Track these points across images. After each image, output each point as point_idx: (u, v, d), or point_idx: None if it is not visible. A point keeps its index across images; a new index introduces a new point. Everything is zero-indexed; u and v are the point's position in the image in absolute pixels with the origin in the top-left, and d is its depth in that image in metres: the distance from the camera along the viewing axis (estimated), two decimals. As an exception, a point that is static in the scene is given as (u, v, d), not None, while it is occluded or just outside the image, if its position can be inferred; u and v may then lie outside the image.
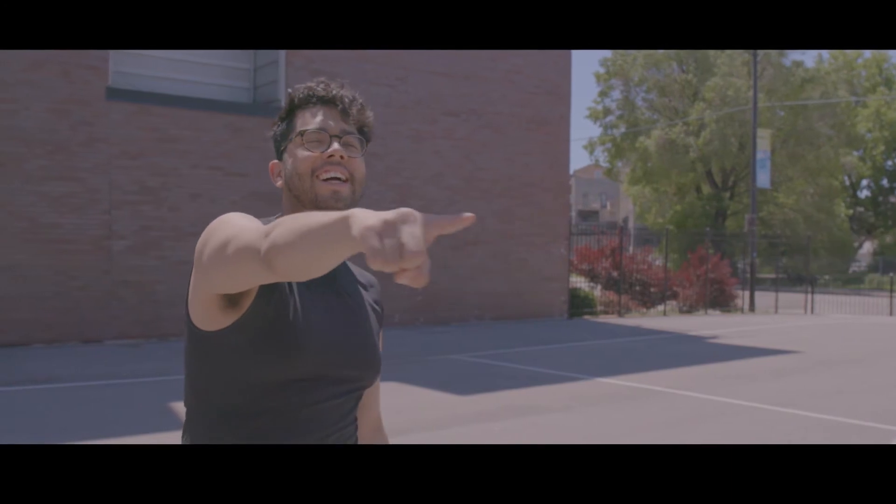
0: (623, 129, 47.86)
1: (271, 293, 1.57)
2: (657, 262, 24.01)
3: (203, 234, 1.52)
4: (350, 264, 1.84)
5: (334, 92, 1.73)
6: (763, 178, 27.12)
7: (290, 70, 14.43)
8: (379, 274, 1.93)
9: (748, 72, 40.75)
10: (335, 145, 1.67)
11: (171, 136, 13.60)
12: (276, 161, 1.79)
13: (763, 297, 25.83)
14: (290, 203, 1.73)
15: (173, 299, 13.21)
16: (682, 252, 28.88)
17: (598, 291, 21.48)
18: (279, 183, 1.76)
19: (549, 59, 18.37)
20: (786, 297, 25.83)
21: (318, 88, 1.73)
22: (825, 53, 50.37)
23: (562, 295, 18.84)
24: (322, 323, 1.63)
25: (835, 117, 43.60)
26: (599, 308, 20.43)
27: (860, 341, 16.03)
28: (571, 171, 33.20)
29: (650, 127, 45.75)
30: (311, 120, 1.71)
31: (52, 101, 12.58)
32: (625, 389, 9.71)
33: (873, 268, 51.43)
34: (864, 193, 55.84)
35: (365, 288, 1.84)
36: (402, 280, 1.10)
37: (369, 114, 1.77)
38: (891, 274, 29.30)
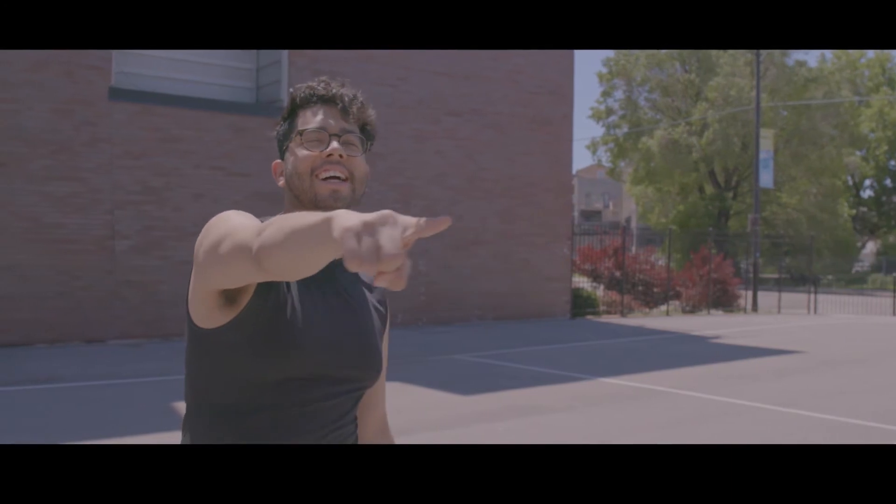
0: (626, 129, 47.84)
1: (268, 291, 1.57)
2: (660, 262, 24.00)
3: (202, 232, 1.53)
4: None
5: (334, 91, 1.73)
6: (766, 178, 27.09)
7: (292, 70, 14.44)
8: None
9: (751, 71, 40.74)
10: (334, 144, 1.67)
11: (173, 136, 13.61)
12: (278, 160, 1.79)
13: (766, 298, 25.81)
14: (291, 202, 1.73)
15: (176, 299, 13.22)
16: (685, 252, 28.88)
17: (600, 291, 21.46)
18: (281, 182, 1.76)
19: (551, 59, 18.36)
20: (789, 297, 25.81)
21: (319, 87, 1.74)
22: (828, 53, 50.36)
23: (564, 295, 18.83)
24: (321, 322, 1.63)
25: (838, 117, 43.56)
26: (602, 308, 20.43)
27: (863, 341, 16.01)
28: (574, 171, 33.18)
29: (653, 127, 45.73)
30: (312, 119, 1.71)
31: (56, 102, 12.59)
32: (627, 389, 9.70)
33: (876, 268, 51.37)
34: (867, 193, 55.79)
35: (368, 288, 1.84)
36: (381, 283, 1.09)
37: (371, 112, 1.77)
38: (894, 274, 29.29)
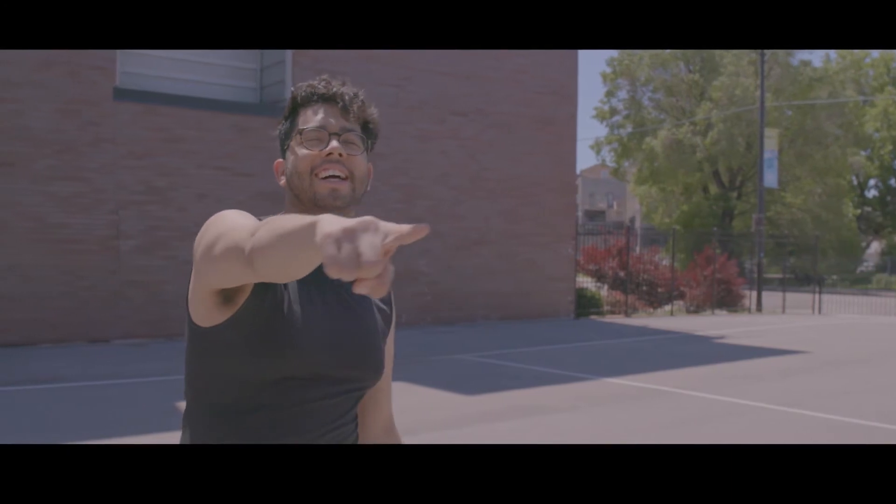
0: (630, 129, 47.80)
1: (266, 291, 1.57)
2: (664, 262, 23.99)
3: (200, 230, 1.53)
4: None
5: (335, 89, 1.72)
6: (770, 178, 27.06)
7: (296, 70, 14.45)
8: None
9: (755, 71, 40.69)
10: (334, 143, 1.67)
11: (177, 136, 13.63)
12: (280, 160, 1.79)
13: (770, 297, 25.77)
14: (291, 201, 1.73)
15: (180, 299, 13.20)
16: (689, 252, 28.85)
17: (604, 291, 21.45)
18: (282, 182, 1.76)
19: (555, 59, 18.36)
20: (793, 297, 25.77)
21: (320, 86, 1.73)
22: (833, 53, 50.32)
23: (568, 295, 18.82)
24: (320, 323, 1.63)
25: (842, 117, 43.48)
26: (606, 308, 20.42)
27: (867, 341, 15.99)
28: (578, 171, 33.13)
29: (657, 127, 45.69)
30: (312, 118, 1.70)
31: (60, 102, 12.62)
32: (631, 389, 9.70)
33: (881, 268, 51.29)
34: (871, 193, 55.68)
35: None
36: (361, 290, 1.08)
37: (372, 110, 1.76)
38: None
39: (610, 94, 48.40)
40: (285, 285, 1.61)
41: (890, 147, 51.04)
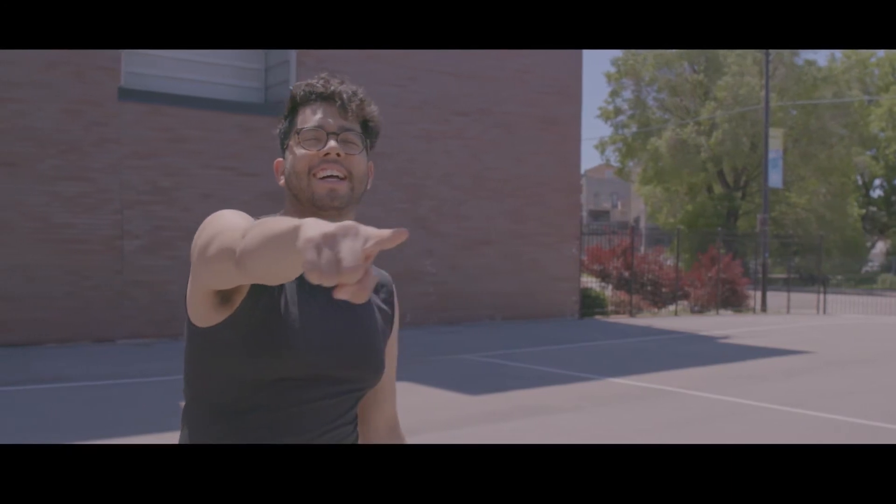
0: (634, 129, 47.77)
1: (262, 292, 1.57)
2: (668, 262, 23.96)
3: (198, 231, 1.52)
4: None
5: (333, 88, 1.71)
6: (775, 178, 27.02)
7: (301, 70, 14.46)
8: (389, 274, 1.92)
9: (759, 71, 40.65)
10: (332, 143, 1.66)
11: (182, 137, 13.65)
12: (280, 159, 1.78)
13: (775, 297, 25.73)
14: (290, 201, 1.72)
15: (184, 299, 13.21)
16: (694, 252, 28.80)
17: (609, 291, 21.44)
18: (282, 181, 1.75)
19: (559, 59, 18.35)
20: (798, 297, 25.73)
21: (318, 85, 1.72)
22: (838, 52, 50.16)
23: (573, 295, 18.82)
24: (317, 323, 1.62)
25: (847, 116, 43.42)
26: (610, 308, 20.40)
27: (872, 341, 15.96)
28: (582, 171, 33.08)
29: (661, 126, 45.65)
30: (311, 117, 1.70)
31: (65, 102, 12.64)
32: (636, 389, 9.69)
33: (886, 268, 51.16)
34: (876, 193, 55.56)
35: (374, 288, 1.82)
36: (342, 295, 1.07)
37: (372, 108, 1.74)
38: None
39: (614, 93, 48.38)
40: (282, 286, 1.60)
41: (895, 147, 50.93)
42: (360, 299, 1.08)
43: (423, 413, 8.03)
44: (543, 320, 17.91)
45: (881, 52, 51.55)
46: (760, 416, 8.26)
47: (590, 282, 21.68)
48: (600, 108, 49.26)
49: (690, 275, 23.34)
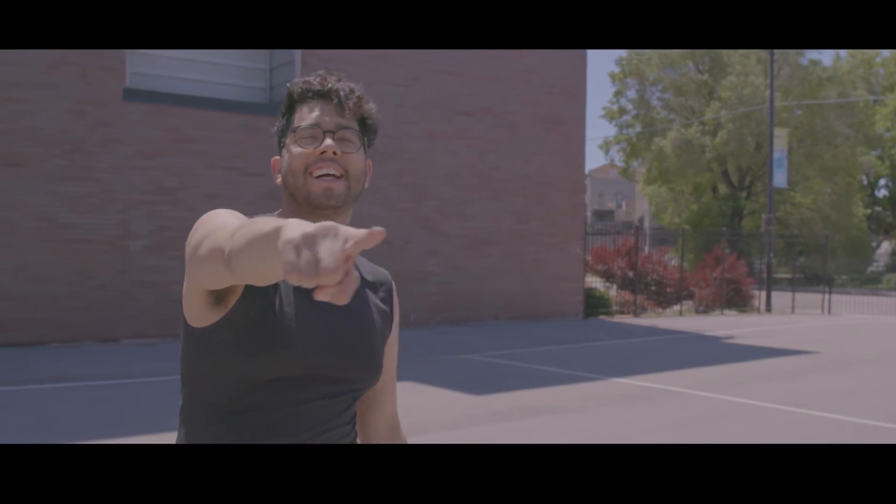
0: (639, 129, 47.73)
1: (256, 292, 1.56)
2: (673, 262, 23.94)
3: (192, 230, 1.51)
4: (362, 261, 1.82)
5: (330, 85, 1.69)
6: (780, 178, 26.99)
7: (305, 70, 14.46)
8: (391, 273, 1.92)
9: (764, 70, 40.60)
10: (328, 141, 1.64)
11: (187, 137, 13.67)
12: (277, 157, 1.76)
13: (780, 298, 25.70)
14: (287, 200, 1.71)
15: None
16: (698, 252, 28.79)
17: (613, 291, 21.43)
18: (278, 180, 1.73)
19: (563, 59, 18.34)
20: (803, 297, 25.70)
21: (315, 82, 1.70)
22: (843, 52, 50.11)
23: (577, 295, 18.81)
24: (313, 323, 1.61)
25: (852, 116, 43.34)
26: (615, 308, 20.40)
27: (877, 341, 15.93)
28: (586, 171, 33.07)
29: (666, 126, 45.61)
30: (307, 115, 1.68)
31: (70, 102, 12.67)
32: (640, 389, 9.69)
33: (891, 268, 51.05)
34: (881, 193, 55.44)
35: (373, 287, 1.81)
36: (322, 296, 1.06)
37: (370, 106, 1.73)
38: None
39: (619, 93, 48.34)
40: (277, 285, 1.59)
41: (900, 146, 50.83)
42: (340, 300, 1.07)
43: (426, 413, 8.03)
44: (547, 320, 17.90)
45: (886, 52, 51.43)
46: (765, 417, 8.26)
47: (594, 282, 21.68)
48: (604, 108, 49.23)
49: (695, 275, 23.32)
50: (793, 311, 23.63)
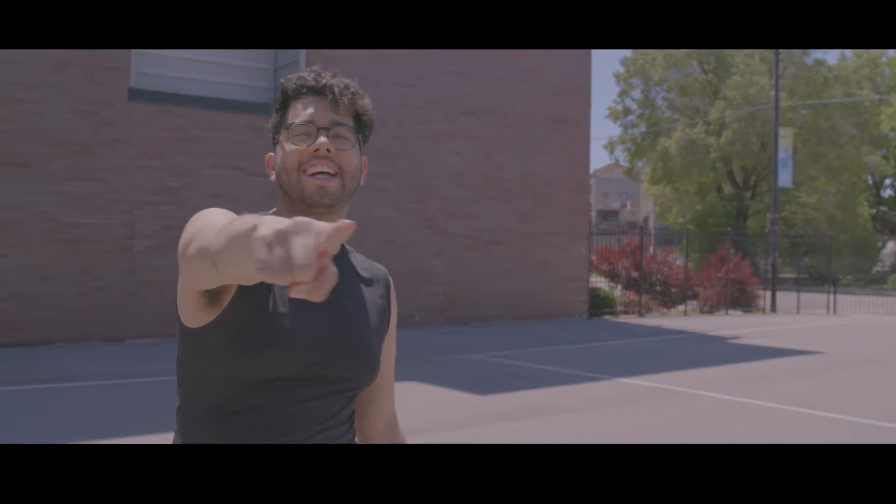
0: (643, 129, 47.68)
1: (250, 291, 1.55)
2: (678, 262, 23.92)
3: (184, 230, 1.50)
4: (359, 258, 1.81)
5: (324, 81, 1.67)
6: (785, 178, 26.95)
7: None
8: (390, 272, 1.91)
9: (768, 70, 40.55)
10: (321, 139, 1.62)
11: (192, 137, 13.69)
12: (272, 153, 1.74)
13: (785, 298, 25.67)
14: (281, 198, 1.69)
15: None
16: (703, 252, 28.75)
17: (618, 291, 21.42)
18: (273, 177, 1.71)
19: (568, 59, 18.33)
20: (808, 297, 25.67)
21: (309, 78, 1.68)
22: (848, 52, 49.96)
23: (582, 295, 18.80)
24: (308, 322, 1.60)
25: (858, 116, 43.26)
26: (620, 308, 20.38)
27: (882, 342, 15.90)
28: (591, 171, 33.06)
29: (670, 126, 45.56)
30: (301, 112, 1.66)
31: (76, 103, 12.69)
32: (645, 390, 9.68)
33: (896, 268, 50.98)
34: (887, 193, 55.32)
35: (369, 283, 1.79)
36: (297, 294, 1.04)
37: (365, 102, 1.70)
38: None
39: (623, 93, 48.31)
40: (270, 284, 1.57)
41: (906, 146, 50.72)
42: (316, 297, 1.05)
43: (430, 413, 8.03)
44: (552, 320, 17.89)
45: (892, 52, 51.32)
46: (769, 417, 8.25)
47: (599, 282, 21.66)
48: (609, 108, 49.22)
49: (700, 275, 23.29)
50: (798, 312, 23.60)
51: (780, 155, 26.66)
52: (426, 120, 16.30)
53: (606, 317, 19.58)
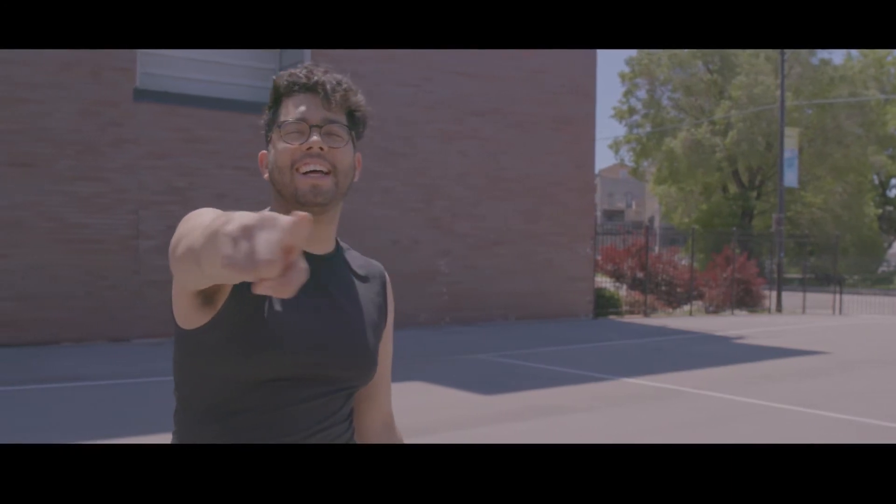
0: (649, 129, 47.63)
1: (244, 291, 1.53)
2: (683, 262, 23.89)
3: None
4: (354, 255, 1.80)
5: (316, 78, 1.65)
6: (790, 178, 26.91)
7: (315, 70, 14.47)
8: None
9: (774, 69, 40.47)
10: (314, 137, 1.60)
11: (197, 137, 13.71)
12: (264, 151, 1.72)
13: (791, 298, 25.62)
14: (274, 197, 1.68)
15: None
16: (709, 252, 28.74)
17: (623, 291, 21.40)
18: (266, 175, 1.69)
19: (574, 59, 18.33)
20: (814, 297, 25.62)
21: (301, 75, 1.66)
22: (854, 51, 49.87)
23: (587, 295, 18.79)
24: (304, 322, 1.59)
25: (863, 116, 43.15)
26: (625, 308, 20.36)
27: (888, 342, 15.87)
28: (596, 171, 33.00)
29: (676, 126, 45.51)
30: (293, 110, 1.63)
31: (81, 103, 12.72)
32: (650, 390, 9.67)
33: (902, 267, 50.83)
34: (893, 192, 55.18)
35: (365, 280, 1.78)
36: (263, 290, 1.02)
37: (358, 98, 1.68)
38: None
39: (628, 93, 48.26)
40: None
41: (912, 146, 50.54)
42: (283, 294, 1.03)
43: (435, 412, 8.03)
44: (557, 320, 17.89)
45: (898, 51, 51.17)
46: (774, 417, 8.23)
47: (604, 282, 21.65)
48: (614, 108, 49.16)
49: (705, 275, 23.27)
50: (803, 312, 23.55)
51: (786, 155, 26.61)
52: (431, 120, 16.30)
53: (611, 317, 19.57)
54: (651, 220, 65.05)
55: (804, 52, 40.98)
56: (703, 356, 12.76)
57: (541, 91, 17.85)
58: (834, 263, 28.08)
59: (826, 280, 33.35)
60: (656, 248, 24.77)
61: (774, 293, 24.07)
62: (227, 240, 1.04)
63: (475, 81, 16.88)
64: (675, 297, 22.17)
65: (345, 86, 1.66)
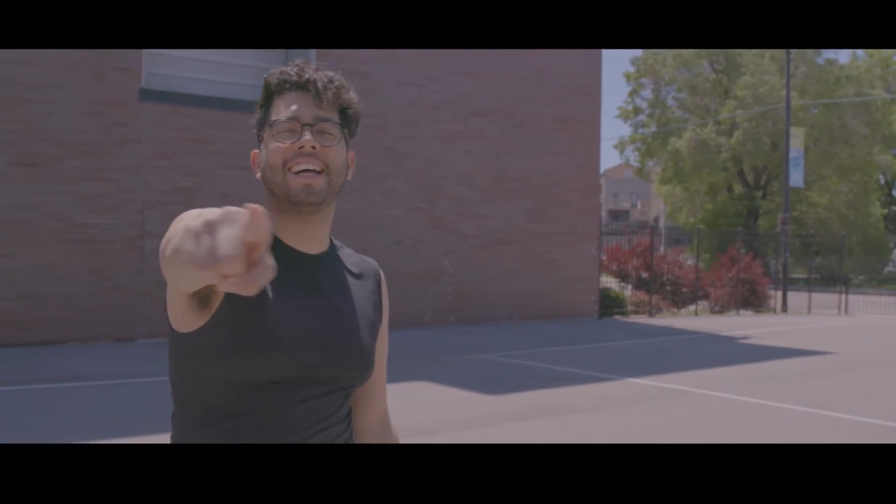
0: (654, 129, 47.57)
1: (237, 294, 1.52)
2: (688, 262, 23.86)
3: None
4: (348, 252, 1.79)
5: (307, 76, 1.64)
6: (796, 177, 26.86)
7: (320, 70, 14.47)
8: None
9: (779, 69, 40.41)
10: (306, 136, 1.58)
11: (202, 137, 13.73)
12: (256, 150, 1.70)
13: (796, 298, 25.58)
14: (267, 197, 1.66)
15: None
16: (714, 252, 28.67)
17: (628, 291, 21.38)
18: (258, 175, 1.68)
19: (578, 59, 18.31)
20: (819, 297, 25.57)
21: (292, 73, 1.65)
22: (859, 51, 49.73)
23: (592, 295, 18.77)
24: (300, 323, 1.58)
25: (869, 115, 43.06)
26: (630, 308, 20.34)
27: (893, 342, 15.83)
28: (601, 171, 33.04)
29: (681, 126, 45.44)
30: (284, 109, 1.62)
31: (87, 103, 12.74)
32: (655, 390, 9.66)
33: (908, 268, 50.70)
34: (899, 192, 55.08)
35: (359, 278, 1.77)
36: (226, 287, 1.00)
37: (350, 95, 1.66)
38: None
39: (633, 93, 48.19)
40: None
41: (918, 146, 50.40)
42: (247, 291, 1.01)
43: (440, 412, 8.03)
44: (562, 320, 17.88)
45: (903, 51, 51.03)
46: (779, 417, 8.22)
47: (609, 282, 21.63)
48: (619, 108, 49.09)
49: (710, 275, 23.23)
50: (809, 312, 23.51)
51: (792, 154, 26.57)
52: (435, 120, 16.30)
53: (617, 317, 19.55)
54: (656, 220, 64.99)
55: (810, 51, 40.90)
56: (708, 356, 12.74)
57: (545, 91, 17.84)
58: (840, 263, 28.04)
59: (832, 280, 33.29)
60: (661, 248, 24.77)
61: (780, 293, 24.03)
62: (190, 235, 1.03)
63: (479, 81, 16.88)
64: (680, 297, 22.14)
65: (336, 83, 1.65)
